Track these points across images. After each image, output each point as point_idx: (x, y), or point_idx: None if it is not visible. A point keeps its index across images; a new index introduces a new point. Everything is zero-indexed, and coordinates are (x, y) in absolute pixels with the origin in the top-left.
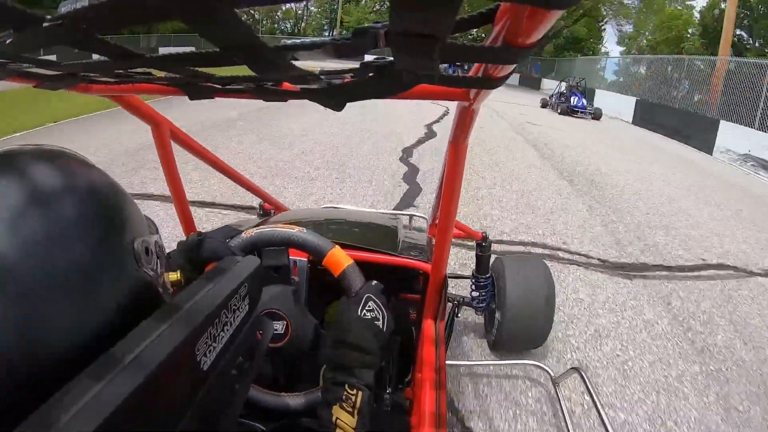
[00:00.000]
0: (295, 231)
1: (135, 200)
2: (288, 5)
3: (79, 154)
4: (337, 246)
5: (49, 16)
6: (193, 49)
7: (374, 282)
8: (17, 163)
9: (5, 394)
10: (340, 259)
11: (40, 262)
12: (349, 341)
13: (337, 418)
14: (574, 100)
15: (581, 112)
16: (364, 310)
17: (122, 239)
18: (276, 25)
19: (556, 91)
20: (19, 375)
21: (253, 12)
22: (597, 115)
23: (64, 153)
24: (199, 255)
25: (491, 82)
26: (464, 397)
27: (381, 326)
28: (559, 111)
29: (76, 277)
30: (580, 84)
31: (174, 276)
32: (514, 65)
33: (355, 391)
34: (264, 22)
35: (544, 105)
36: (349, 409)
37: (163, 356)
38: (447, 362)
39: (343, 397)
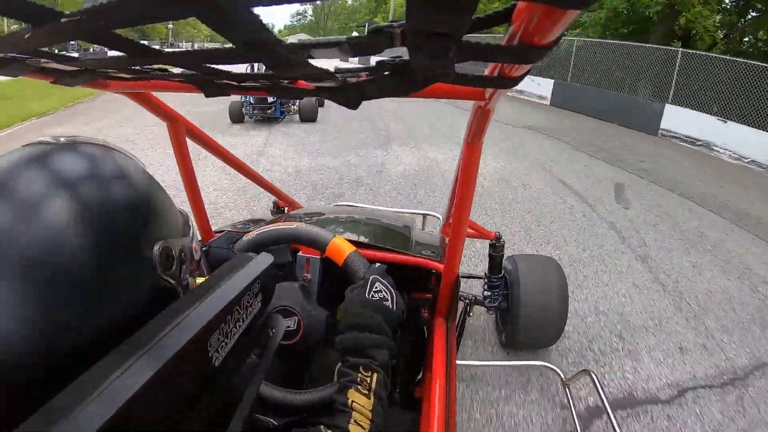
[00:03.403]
0: (295, 226)
1: None
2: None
3: (119, 147)
4: (338, 236)
5: (67, 12)
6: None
7: (377, 264)
8: (48, 155)
9: (17, 384)
10: (342, 247)
11: (52, 255)
12: (360, 323)
13: (353, 401)
14: None
15: None
16: (372, 292)
17: (142, 242)
18: None
19: None
20: (29, 366)
21: None
22: None
23: (103, 147)
24: (206, 265)
25: (507, 82)
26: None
27: (390, 306)
28: None
29: (86, 275)
30: None
31: (201, 280)
32: (530, 65)
33: (369, 373)
34: None
35: None
36: (365, 392)
37: (174, 351)
38: (457, 362)
39: (358, 379)
